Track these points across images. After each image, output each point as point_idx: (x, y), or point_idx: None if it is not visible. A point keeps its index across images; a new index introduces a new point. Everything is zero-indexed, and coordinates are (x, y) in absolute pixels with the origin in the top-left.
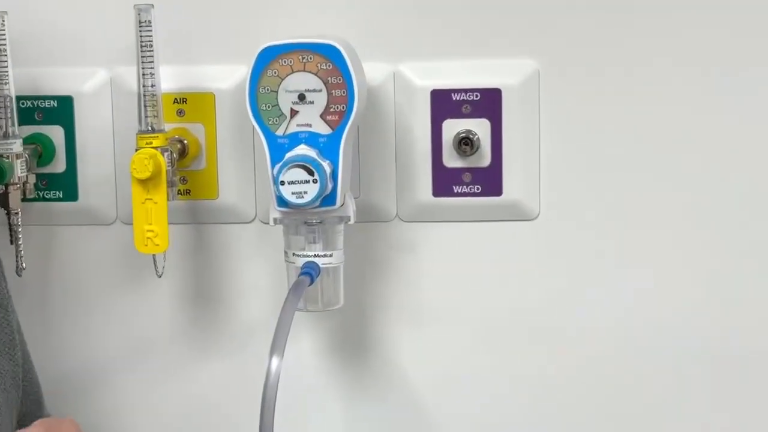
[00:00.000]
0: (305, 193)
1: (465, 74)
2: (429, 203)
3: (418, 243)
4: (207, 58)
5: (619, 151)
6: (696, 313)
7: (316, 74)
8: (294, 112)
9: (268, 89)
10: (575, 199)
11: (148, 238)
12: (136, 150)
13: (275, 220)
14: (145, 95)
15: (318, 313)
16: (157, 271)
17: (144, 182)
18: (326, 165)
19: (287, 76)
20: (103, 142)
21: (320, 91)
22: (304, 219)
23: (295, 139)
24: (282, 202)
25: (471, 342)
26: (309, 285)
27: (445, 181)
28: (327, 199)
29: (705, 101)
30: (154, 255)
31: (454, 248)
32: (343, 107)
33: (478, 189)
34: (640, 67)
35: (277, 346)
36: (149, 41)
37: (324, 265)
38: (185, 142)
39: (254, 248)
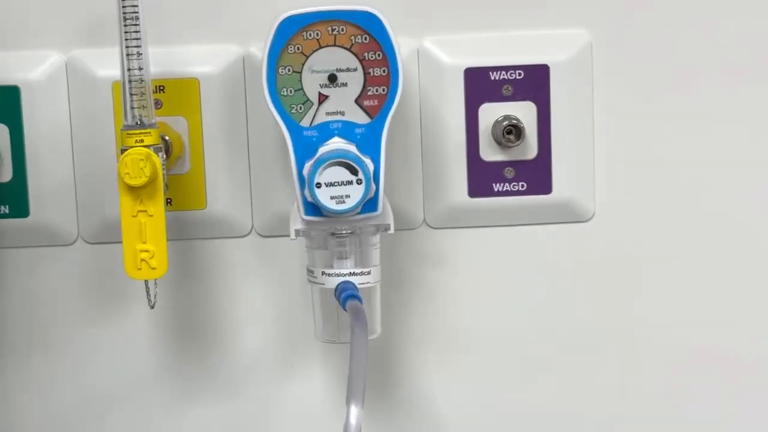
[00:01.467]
0: (347, 197)
1: (504, 49)
2: (464, 205)
3: (450, 254)
4: (189, 37)
5: (689, 139)
6: None
7: (349, 49)
8: (323, 98)
9: (289, 70)
10: (636, 197)
11: (142, 260)
12: (123, 151)
13: (297, 232)
14: (131, 81)
15: (330, 344)
16: (150, 301)
17: (136, 190)
18: (369, 162)
19: (313, 52)
20: (58, 142)
21: (355, 70)
22: (332, 229)
23: (325, 131)
24: (311, 209)
25: (519, 373)
26: None
27: (483, 179)
28: (369, 204)
29: None
30: (147, 281)
31: (495, 259)
32: (383, 90)
33: (522, 186)
34: (716, 38)
35: (356, 391)
36: (134, 12)
37: (361, 285)
38: (167, 139)
39: (251, 267)
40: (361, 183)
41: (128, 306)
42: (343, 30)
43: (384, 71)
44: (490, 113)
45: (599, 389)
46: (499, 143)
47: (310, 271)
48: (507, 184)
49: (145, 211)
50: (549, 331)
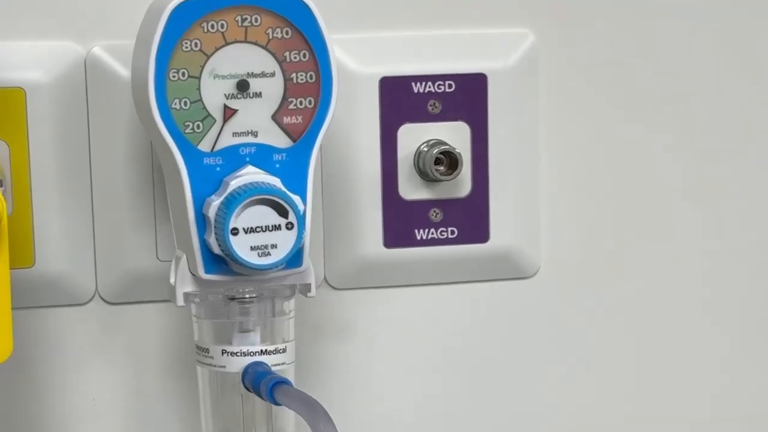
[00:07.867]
0: (273, 247)
1: (430, 52)
2: (378, 259)
3: (360, 321)
4: (10, 30)
5: (658, 169)
6: (739, 386)
7: (265, 47)
8: (230, 113)
9: (184, 74)
10: (591, 246)
11: None
12: None
13: (188, 296)
14: None
15: None
16: None
17: None
18: (298, 200)
19: (216, 50)
20: None
21: (272, 75)
22: (234, 292)
23: (233, 158)
24: (214, 264)
25: None
26: None
27: (402, 224)
28: (293, 256)
29: None
30: None
31: (417, 327)
32: (311, 102)
33: (452, 233)
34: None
35: None
36: None
37: (275, 367)
38: None
39: (94, 344)
40: (291, 228)
41: None
42: (257, 21)
43: (312, 77)
44: (412, 137)
45: None
46: (424, 176)
47: (201, 350)
48: (433, 230)
49: None
50: (488, 411)
